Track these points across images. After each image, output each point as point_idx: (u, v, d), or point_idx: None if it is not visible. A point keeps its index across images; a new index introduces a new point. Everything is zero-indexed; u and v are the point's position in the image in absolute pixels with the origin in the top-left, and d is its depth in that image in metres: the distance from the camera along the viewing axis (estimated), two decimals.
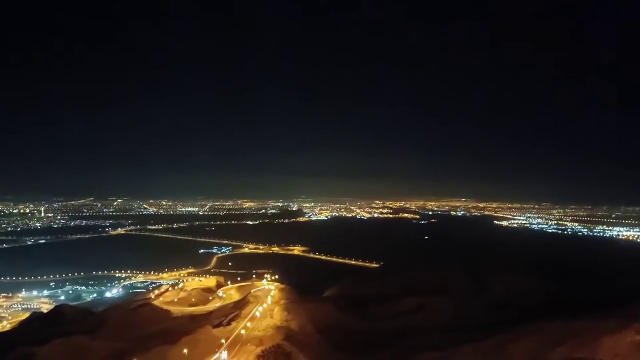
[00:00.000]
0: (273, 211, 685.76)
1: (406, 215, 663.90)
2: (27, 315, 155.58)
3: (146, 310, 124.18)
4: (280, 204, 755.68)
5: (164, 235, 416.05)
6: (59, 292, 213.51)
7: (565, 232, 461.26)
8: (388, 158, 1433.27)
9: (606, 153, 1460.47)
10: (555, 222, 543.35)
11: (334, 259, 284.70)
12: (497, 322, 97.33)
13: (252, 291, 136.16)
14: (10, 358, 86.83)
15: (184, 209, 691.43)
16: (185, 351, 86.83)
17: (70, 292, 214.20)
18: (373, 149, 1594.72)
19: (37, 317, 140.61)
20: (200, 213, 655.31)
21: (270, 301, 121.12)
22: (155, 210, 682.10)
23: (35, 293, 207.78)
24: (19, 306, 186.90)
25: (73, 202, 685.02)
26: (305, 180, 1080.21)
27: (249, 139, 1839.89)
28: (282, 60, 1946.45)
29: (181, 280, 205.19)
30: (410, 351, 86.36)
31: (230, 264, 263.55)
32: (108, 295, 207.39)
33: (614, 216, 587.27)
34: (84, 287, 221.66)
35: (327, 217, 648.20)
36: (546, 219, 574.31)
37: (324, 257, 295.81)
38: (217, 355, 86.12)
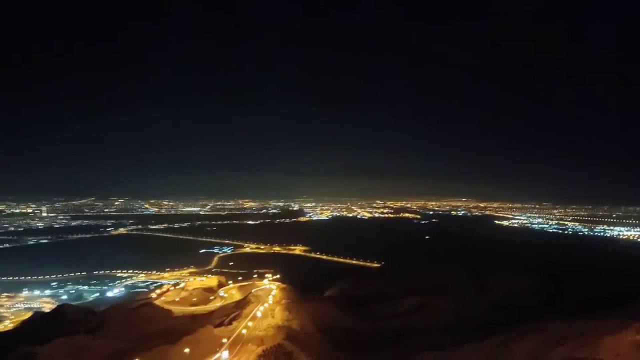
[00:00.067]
0: (274, 211, 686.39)
1: (407, 214, 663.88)
2: (29, 314, 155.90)
3: (147, 309, 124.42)
4: (281, 204, 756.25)
5: (165, 235, 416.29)
6: (61, 291, 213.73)
7: (566, 232, 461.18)
8: (388, 158, 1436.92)
9: (606, 153, 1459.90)
10: (556, 221, 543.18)
11: (335, 259, 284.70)
12: (498, 321, 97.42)
13: (253, 290, 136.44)
14: (12, 357, 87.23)
15: (185, 209, 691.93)
16: (187, 350, 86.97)
17: (72, 291, 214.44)
18: (373, 149, 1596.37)
19: (38, 317, 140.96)
20: (202, 213, 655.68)
21: (271, 300, 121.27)
22: (157, 210, 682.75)
23: (37, 292, 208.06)
24: (21, 305, 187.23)
25: (74, 202, 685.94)
26: (306, 180, 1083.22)
27: (249, 139, 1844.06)
28: (282, 60, 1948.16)
29: (182, 280, 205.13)
30: (411, 350, 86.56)
31: (231, 263, 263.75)
32: (109, 294, 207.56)
33: (614, 216, 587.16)
34: (85, 287, 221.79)
35: (327, 216, 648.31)
36: (546, 219, 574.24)
37: (324, 257, 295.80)
38: (218, 355, 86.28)
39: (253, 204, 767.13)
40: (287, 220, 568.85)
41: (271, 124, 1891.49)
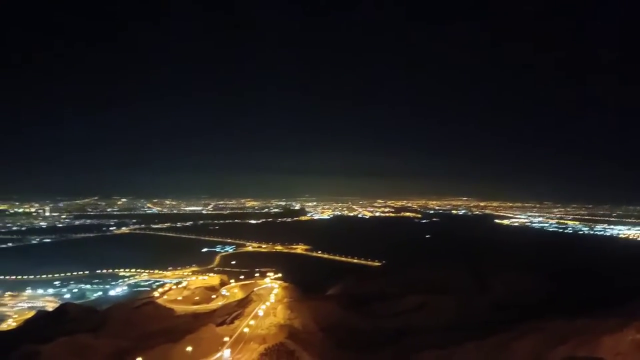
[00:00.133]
0: (276, 210, 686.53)
1: (408, 214, 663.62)
2: (32, 313, 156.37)
3: (149, 308, 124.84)
4: (283, 203, 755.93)
5: (168, 234, 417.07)
6: (64, 290, 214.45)
7: (566, 231, 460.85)
8: (389, 157, 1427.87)
9: (606, 153, 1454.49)
10: (556, 220, 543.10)
11: (336, 258, 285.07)
12: (499, 320, 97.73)
13: (255, 289, 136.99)
14: (15, 356, 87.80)
15: (187, 208, 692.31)
16: (189, 349, 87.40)
17: (75, 290, 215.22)
18: (373, 149, 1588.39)
19: (41, 315, 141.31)
20: (204, 212, 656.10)
21: (273, 299, 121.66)
22: (159, 209, 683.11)
23: (40, 291, 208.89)
24: (24, 304, 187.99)
25: (77, 201, 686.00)
26: (308, 179, 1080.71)
27: (249, 138, 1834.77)
28: (282, 60, 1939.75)
29: (184, 279, 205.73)
30: (412, 349, 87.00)
31: (233, 262, 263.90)
32: (112, 293, 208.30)
33: (614, 215, 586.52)
34: (88, 286, 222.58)
35: (329, 215, 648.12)
36: (547, 218, 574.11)
37: (326, 256, 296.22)
38: (220, 353, 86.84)
39: (255, 203, 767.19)
40: (289, 219, 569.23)
41: (271, 124, 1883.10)
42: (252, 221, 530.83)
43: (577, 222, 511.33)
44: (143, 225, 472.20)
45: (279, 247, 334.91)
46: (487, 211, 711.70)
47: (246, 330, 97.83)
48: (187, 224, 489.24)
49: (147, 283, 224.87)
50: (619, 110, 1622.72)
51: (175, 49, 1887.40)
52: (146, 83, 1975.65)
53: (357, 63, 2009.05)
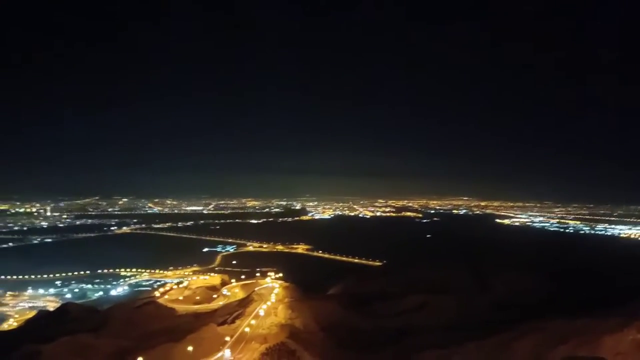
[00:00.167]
0: (276, 209, 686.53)
1: (408, 213, 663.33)
2: (33, 313, 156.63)
3: (150, 308, 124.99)
4: (284, 203, 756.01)
5: (169, 234, 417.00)
6: (65, 290, 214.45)
7: (567, 230, 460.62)
8: (389, 157, 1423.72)
9: (606, 153, 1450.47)
10: (557, 220, 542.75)
11: (337, 257, 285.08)
12: (499, 320, 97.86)
13: (256, 289, 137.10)
14: (16, 355, 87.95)
15: (188, 208, 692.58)
16: (190, 349, 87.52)
17: (76, 290, 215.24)
18: (374, 149, 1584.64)
19: (43, 315, 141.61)
20: (205, 212, 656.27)
21: (274, 299, 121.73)
22: (160, 209, 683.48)
23: (41, 291, 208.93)
24: (26, 304, 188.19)
25: (78, 201, 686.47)
26: (309, 179, 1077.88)
27: (249, 138, 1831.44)
28: (282, 61, 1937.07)
29: (186, 278, 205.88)
30: (413, 349, 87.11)
31: (234, 262, 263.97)
32: (113, 293, 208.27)
33: (615, 214, 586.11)
34: (89, 285, 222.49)
35: (330, 215, 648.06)
36: (548, 217, 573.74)
37: (327, 255, 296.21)
38: (221, 353, 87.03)
39: (256, 202, 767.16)
40: (290, 219, 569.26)
41: (271, 124, 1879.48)
42: (253, 221, 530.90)
43: (578, 222, 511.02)
44: (144, 225, 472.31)
45: (279, 247, 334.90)
46: (488, 211, 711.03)
47: (247, 329, 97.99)
48: (188, 223, 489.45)
49: (148, 283, 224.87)
50: (619, 110, 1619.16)
51: (175, 49, 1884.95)
52: (146, 83, 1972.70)
53: (357, 63, 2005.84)
